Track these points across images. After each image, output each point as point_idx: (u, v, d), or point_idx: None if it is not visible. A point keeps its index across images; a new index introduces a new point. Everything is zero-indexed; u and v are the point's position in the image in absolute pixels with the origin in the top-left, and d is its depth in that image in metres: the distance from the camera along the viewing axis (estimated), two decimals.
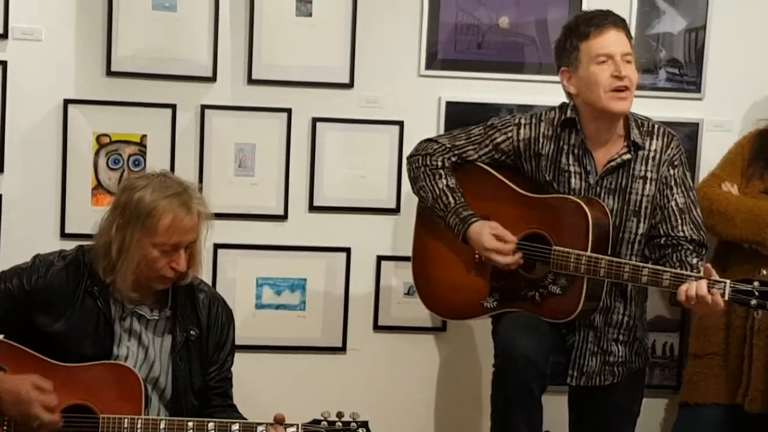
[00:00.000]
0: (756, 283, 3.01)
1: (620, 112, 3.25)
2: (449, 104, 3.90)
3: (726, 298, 3.03)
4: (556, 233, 3.25)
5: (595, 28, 3.23)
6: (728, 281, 3.03)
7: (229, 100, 3.83)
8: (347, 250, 3.93)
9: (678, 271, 3.12)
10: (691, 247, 3.26)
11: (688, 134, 3.96)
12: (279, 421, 2.94)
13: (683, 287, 3.04)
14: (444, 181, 3.38)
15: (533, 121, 3.38)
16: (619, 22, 3.26)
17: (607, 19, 3.25)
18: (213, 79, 3.80)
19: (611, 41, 3.22)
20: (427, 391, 4.04)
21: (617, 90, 3.21)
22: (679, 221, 3.30)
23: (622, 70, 3.20)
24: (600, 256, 3.16)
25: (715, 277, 3.05)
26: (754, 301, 3.01)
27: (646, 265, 3.16)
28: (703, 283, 3.02)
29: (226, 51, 3.80)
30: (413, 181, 3.47)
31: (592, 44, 3.23)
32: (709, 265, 3.09)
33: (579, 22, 3.30)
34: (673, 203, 3.30)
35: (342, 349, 3.97)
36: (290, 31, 3.82)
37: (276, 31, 3.81)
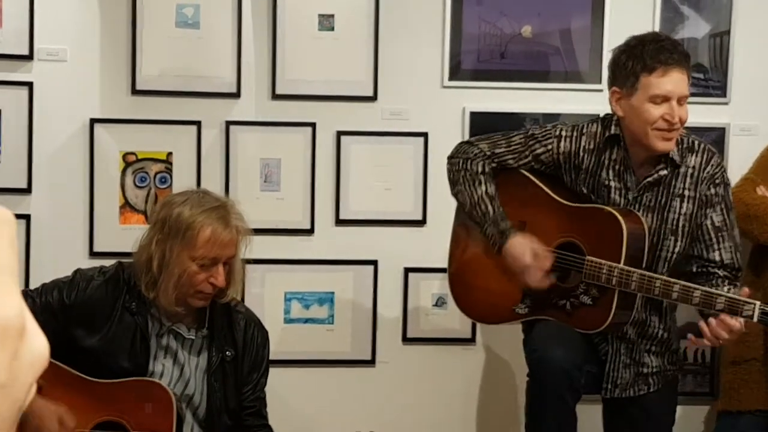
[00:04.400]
0: None
1: (663, 152, 3.18)
2: (473, 114, 3.89)
3: (755, 319, 2.96)
4: (591, 243, 3.21)
5: (662, 65, 3.11)
6: (758, 303, 2.95)
7: (253, 115, 3.84)
8: (374, 263, 3.93)
9: (708, 289, 3.06)
10: (721, 274, 3.20)
11: (715, 139, 3.94)
12: None
13: (711, 335, 3.04)
14: (483, 188, 3.33)
15: (574, 133, 3.31)
16: (684, 61, 3.14)
17: (673, 57, 3.11)
18: (237, 95, 3.82)
19: (673, 84, 3.11)
20: (458, 402, 4.03)
21: (665, 131, 3.14)
22: (715, 240, 3.22)
23: (675, 114, 3.11)
24: (632, 269, 3.11)
25: (745, 298, 2.99)
26: None
27: (678, 281, 3.10)
28: (720, 329, 3.00)
29: (249, 67, 3.82)
30: (452, 183, 3.42)
31: (654, 81, 3.11)
32: (746, 289, 3.04)
33: (646, 51, 3.14)
34: (708, 222, 3.23)
35: (371, 362, 3.97)
36: (313, 46, 3.83)
37: (299, 46, 3.83)
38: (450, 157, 3.44)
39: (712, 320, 3.02)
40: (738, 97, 3.99)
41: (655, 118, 3.13)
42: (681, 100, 3.13)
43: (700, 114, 3.92)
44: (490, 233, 3.30)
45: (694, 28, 3.95)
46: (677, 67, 3.12)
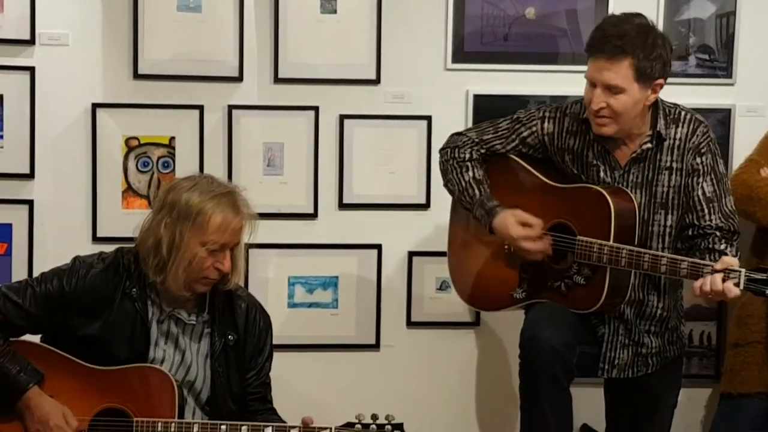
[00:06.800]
0: None
1: (599, 135, 3.22)
2: (477, 97, 3.88)
3: (741, 287, 2.95)
4: (581, 223, 3.22)
5: (592, 51, 3.17)
6: (743, 270, 2.95)
7: (256, 99, 3.83)
8: (378, 247, 3.92)
9: (695, 260, 3.05)
10: (719, 234, 3.17)
11: (720, 120, 3.93)
12: (307, 423, 2.94)
13: (697, 283, 2.98)
14: (471, 174, 3.37)
15: (558, 114, 3.34)
16: (620, 52, 3.10)
17: (604, 47, 3.12)
18: (239, 79, 3.81)
19: (596, 70, 3.15)
20: (462, 385, 4.03)
21: (593, 115, 3.18)
22: (706, 211, 3.20)
23: (593, 99, 3.14)
24: (621, 245, 3.12)
25: (732, 267, 2.97)
26: None
27: (665, 254, 3.11)
28: (717, 277, 2.94)
29: (251, 51, 3.81)
30: (443, 173, 3.46)
31: (589, 65, 3.19)
32: (725, 257, 3.02)
33: (592, 36, 3.21)
34: (699, 192, 3.22)
35: (375, 346, 3.97)
36: (315, 29, 3.82)
37: (301, 30, 3.81)
38: (441, 149, 3.47)
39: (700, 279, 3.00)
40: (744, 77, 3.96)
41: (587, 101, 3.19)
42: (611, 89, 3.12)
43: (706, 95, 3.92)
44: (480, 215, 3.33)
45: (700, 9, 3.93)
46: (603, 56, 3.12)
